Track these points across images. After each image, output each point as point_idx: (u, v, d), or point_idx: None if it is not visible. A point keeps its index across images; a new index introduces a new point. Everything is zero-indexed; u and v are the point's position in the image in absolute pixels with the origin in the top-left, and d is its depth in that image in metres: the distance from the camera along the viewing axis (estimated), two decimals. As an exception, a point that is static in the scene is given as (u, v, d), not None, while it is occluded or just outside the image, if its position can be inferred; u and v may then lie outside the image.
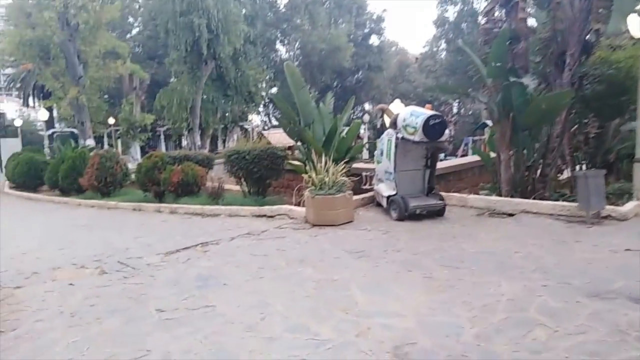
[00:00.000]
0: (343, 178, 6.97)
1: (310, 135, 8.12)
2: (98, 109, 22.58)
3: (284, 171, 9.36)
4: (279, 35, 40.43)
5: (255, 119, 41.40)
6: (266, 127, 41.80)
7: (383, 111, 8.02)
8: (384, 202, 7.21)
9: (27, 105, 37.59)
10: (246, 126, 35.57)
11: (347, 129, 9.52)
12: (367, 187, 7.99)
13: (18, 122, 29.43)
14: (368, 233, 6.15)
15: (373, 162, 8.20)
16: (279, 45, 42.49)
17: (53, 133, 27.30)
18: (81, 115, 19.11)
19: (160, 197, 10.28)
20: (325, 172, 6.97)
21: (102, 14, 18.49)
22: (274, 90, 43.49)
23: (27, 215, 10.70)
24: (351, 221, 6.82)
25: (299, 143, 9.25)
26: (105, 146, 24.15)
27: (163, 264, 5.15)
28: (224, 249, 5.72)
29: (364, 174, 8.00)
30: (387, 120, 8.45)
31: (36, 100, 32.81)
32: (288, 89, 8.38)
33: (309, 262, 4.92)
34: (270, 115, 50.01)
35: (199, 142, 29.17)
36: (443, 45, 49.97)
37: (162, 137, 34.31)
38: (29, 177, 15.62)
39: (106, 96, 29.04)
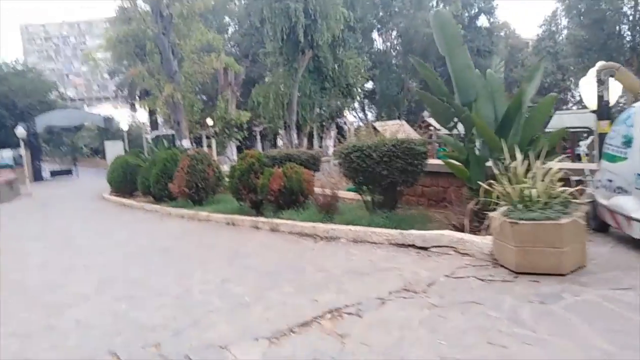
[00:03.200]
0: (561, 188, 3.99)
1: (479, 118, 5.20)
2: (193, 108, 21.53)
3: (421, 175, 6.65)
4: (375, 23, 37.30)
5: (348, 116, 38.88)
6: (362, 123, 39.12)
7: (613, 73, 4.83)
8: (631, 229, 4.12)
9: (135, 110, 39.01)
10: (341, 123, 33.19)
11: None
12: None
13: (124, 126, 30.06)
14: (647, 300, 3.13)
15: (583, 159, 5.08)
16: (374, 35, 39.32)
17: (157, 136, 27.20)
18: (176, 115, 18.02)
19: (257, 208, 8.29)
20: (529, 179, 4.04)
21: (195, 3, 17.14)
22: (370, 84, 40.41)
23: (110, 230, 9.19)
24: (583, 266, 3.83)
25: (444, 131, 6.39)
26: (205, 148, 23.13)
27: (267, 370, 2.63)
28: (376, 330, 3.00)
29: (572, 177, 4.89)
30: (613, 91, 5.25)
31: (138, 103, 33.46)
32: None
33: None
34: (366, 111, 47.18)
35: (295, 141, 27.25)
36: (564, 22, 44.05)
37: (258, 136, 33.23)
38: (124, 182, 14.68)
39: (204, 97, 28.37)
